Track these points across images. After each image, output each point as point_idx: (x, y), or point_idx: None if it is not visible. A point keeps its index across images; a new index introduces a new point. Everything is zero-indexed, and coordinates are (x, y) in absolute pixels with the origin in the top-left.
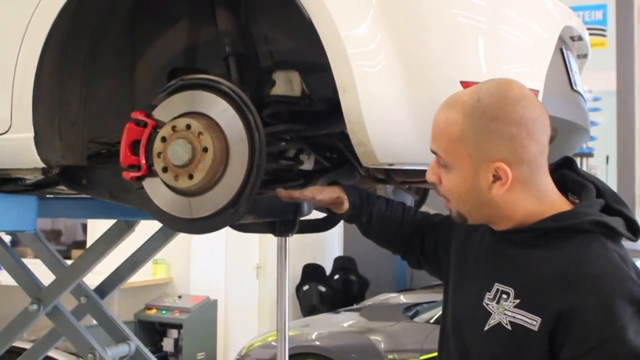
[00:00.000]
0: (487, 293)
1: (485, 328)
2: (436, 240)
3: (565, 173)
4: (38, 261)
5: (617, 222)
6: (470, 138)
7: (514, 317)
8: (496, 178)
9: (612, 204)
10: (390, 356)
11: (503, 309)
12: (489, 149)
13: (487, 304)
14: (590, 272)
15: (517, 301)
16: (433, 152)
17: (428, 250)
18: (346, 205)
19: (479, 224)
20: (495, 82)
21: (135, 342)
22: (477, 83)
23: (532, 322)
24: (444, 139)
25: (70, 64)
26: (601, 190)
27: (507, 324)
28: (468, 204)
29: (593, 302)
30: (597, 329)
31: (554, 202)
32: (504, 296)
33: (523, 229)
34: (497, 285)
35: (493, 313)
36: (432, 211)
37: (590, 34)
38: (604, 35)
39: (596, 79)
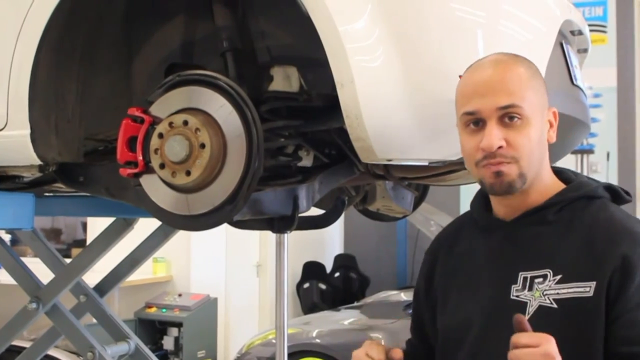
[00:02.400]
0: (513, 285)
1: (526, 318)
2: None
3: None
4: (37, 260)
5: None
6: (536, 85)
7: (557, 293)
8: (550, 124)
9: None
10: None
11: (540, 292)
12: (545, 95)
13: (517, 296)
14: (629, 228)
15: (559, 277)
16: (506, 107)
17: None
18: None
19: (457, 238)
20: None
21: (135, 341)
22: None
23: (585, 288)
24: (519, 90)
25: (67, 61)
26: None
27: (551, 303)
28: (534, 156)
29: None
30: None
31: (550, 171)
32: (538, 280)
33: (546, 205)
34: (522, 274)
35: (529, 301)
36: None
37: (591, 30)
38: (604, 32)
39: (596, 75)
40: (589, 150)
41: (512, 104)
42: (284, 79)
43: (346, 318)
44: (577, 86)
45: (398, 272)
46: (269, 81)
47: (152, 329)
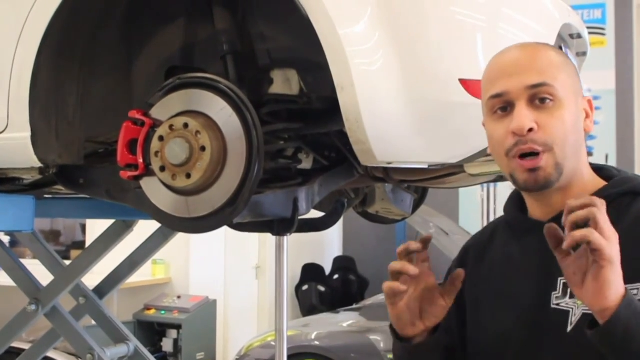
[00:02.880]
0: (553, 292)
1: (569, 328)
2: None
3: None
4: (37, 262)
5: None
6: (569, 69)
7: None
8: (586, 113)
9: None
10: (390, 356)
11: None
12: (579, 83)
13: (558, 304)
14: None
15: None
16: (537, 85)
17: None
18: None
19: (489, 244)
20: None
21: (134, 343)
22: (476, 81)
23: (633, 291)
24: (551, 69)
25: (67, 63)
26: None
27: None
28: (570, 145)
29: None
30: None
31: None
32: None
33: None
34: (562, 280)
35: (572, 309)
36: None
37: (590, 33)
38: (603, 34)
39: (595, 78)
40: (588, 153)
41: (544, 82)
42: (284, 82)
43: (345, 320)
44: None
45: None
46: (269, 84)
47: (151, 331)
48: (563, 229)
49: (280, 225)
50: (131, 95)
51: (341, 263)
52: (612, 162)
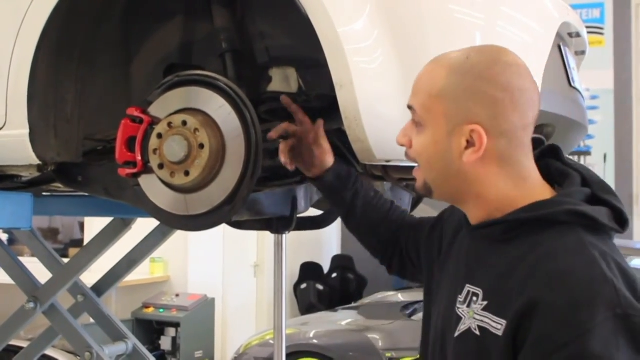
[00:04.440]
0: (459, 296)
1: (456, 334)
2: (418, 242)
3: (550, 162)
4: (35, 259)
5: (599, 213)
6: (450, 95)
7: (482, 321)
8: (470, 144)
9: (600, 194)
10: (388, 354)
11: (473, 313)
12: (467, 110)
13: (458, 308)
14: (559, 268)
15: (485, 303)
16: (409, 107)
17: (410, 251)
18: (329, 161)
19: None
20: (490, 45)
21: (133, 341)
22: None
23: (497, 326)
24: (423, 93)
25: (65, 61)
26: (587, 178)
27: (475, 329)
28: (435, 171)
29: (558, 301)
30: (558, 331)
31: (534, 188)
32: (474, 298)
33: (493, 222)
34: (467, 287)
35: (463, 318)
36: (427, 212)
37: (588, 32)
38: (601, 34)
39: (594, 77)
40: (586, 152)
41: (410, 104)
42: (283, 80)
43: (344, 319)
44: (575, 88)
45: None
46: (268, 82)
47: (149, 329)
48: (479, 237)
49: (279, 224)
50: (129, 93)
51: (339, 262)
52: (610, 162)
